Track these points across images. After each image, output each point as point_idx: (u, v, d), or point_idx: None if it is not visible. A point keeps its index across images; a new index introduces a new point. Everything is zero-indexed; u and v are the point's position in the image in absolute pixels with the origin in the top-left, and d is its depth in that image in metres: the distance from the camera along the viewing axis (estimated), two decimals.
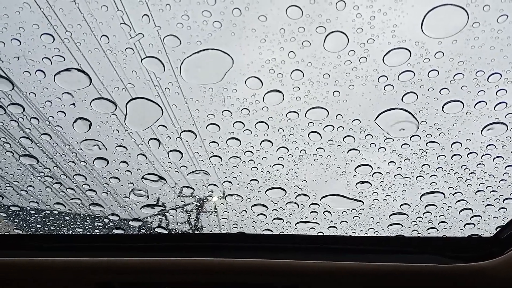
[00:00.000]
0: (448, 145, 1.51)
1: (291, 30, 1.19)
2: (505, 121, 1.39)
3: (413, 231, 1.83)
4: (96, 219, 1.98)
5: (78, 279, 1.64)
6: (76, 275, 1.62)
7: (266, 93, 1.38)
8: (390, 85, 1.32)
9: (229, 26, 1.20)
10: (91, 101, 1.40)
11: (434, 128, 1.46)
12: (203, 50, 1.23)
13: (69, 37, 1.24)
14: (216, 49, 1.23)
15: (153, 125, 1.53)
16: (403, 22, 1.17)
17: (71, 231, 2.08)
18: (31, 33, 1.22)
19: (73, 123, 1.47)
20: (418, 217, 1.78)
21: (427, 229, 1.84)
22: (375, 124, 1.47)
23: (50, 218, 1.98)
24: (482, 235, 1.70)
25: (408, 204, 1.75)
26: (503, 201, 1.63)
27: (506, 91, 1.29)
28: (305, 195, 1.79)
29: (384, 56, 1.24)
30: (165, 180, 1.75)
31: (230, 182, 1.77)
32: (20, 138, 1.59)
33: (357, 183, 1.71)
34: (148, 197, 1.79)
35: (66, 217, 1.99)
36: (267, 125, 1.50)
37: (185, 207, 2.12)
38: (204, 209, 2.06)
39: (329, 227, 1.90)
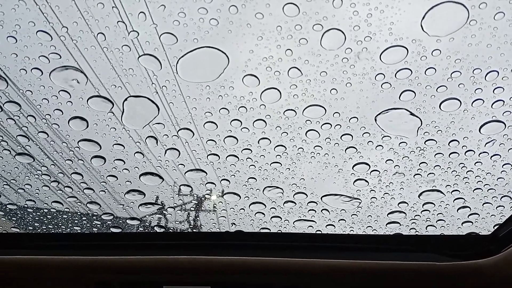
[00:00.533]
0: (445, 143, 1.51)
1: (288, 27, 1.19)
2: (502, 119, 1.39)
3: (411, 229, 1.83)
4: (94, 217, 1.98)
5: (77, 278, 1.64)
6: (76, 274, 1.62)
7: (263, 91, 1.38)
8: (387, 83, 1.32)
9: (226, 24, 1.19)
10: (88, 99, 1.40)
11: (432, 126, 1.46)
12: (199, 48, 1.23)
13: (65, 34, 1.24)
14: (212, 47, 1.23)
15: (151, 123, 1.52)
16: (400, 19, 1.16)
17: (69, 229, 2.08)
18: (27, 30, 1.22)
19: (69, 121, 1.46)
20: (416, 215, 1.78)
21: (425, 227, 1.84)
22: (373, 122, 1.47)
23: (48, 216, 1.98)
24: (480, 233, 1.70)
25: (406, 202, 1.75)
26: (500, 199, 1.63)
27: (503, 89, 1.29)
28: (303, 193, 1.79)
29: (381, 53, 1.24)
30: (163, 179, 1.75)
31: (228, 180, 1.77)
32: (17, 136, 1.58)
33: (355, 181, 1.71)
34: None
35: (64, 216, 1.99)
36: (265, 123, 1.50)
37: (183, 206, 2.12)
38: (202, 208, 2.06)
39: (327, 225, 1.91)
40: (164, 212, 2.03)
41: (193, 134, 1.56)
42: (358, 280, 1.56)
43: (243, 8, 1.15)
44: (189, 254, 1.63)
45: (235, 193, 1.82)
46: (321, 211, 1.85)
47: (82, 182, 1.79)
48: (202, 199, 2.03)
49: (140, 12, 1.17)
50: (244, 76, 1.33)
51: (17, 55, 1.29)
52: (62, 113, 1.47)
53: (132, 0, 1.15)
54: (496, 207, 1.64)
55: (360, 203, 1.77)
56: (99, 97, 1.40)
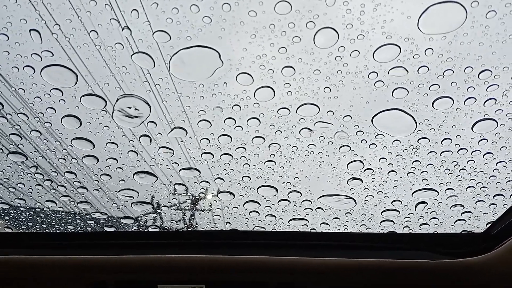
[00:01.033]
0: (438, 141, 1.52)
1: (281, 25, 1.19)
2: (494, 117, 1.40)
3: (404, 227, 1.84)
4: (88, 217, 1.97)
5: (71, 278, 1.63)
6: (69, 273, 1.61)
7: (257, 89, 1.38)
8: (381, 81, 1.33)
9: (219, 21, 1.19)
10: (81, 97, 1.39)
11: (425, 124, 1.46)
12: (191, 47, 1.23)
13: (58, 31, 1.23)
14: (204, 46, 1.23)
15: (144, 121, 1.52)
16: (393, 18, 1.17)
17: (62, 228, 2.07)
18: (18, 28, 1.21)
19: (61, 119, 1.46)
20: (409, 213, 1.79)
21: (419, 225, 1.85)
22: (367, 120, 1.47)
23: (41, 215, 1.97)
24: (473, 231, 1.71)
25: (399, 201, 1.76)
26: (493, 197, 1.64)
27: (495, 87, 1.30)
28: (297, 191, 1.79)
29: (374, 52, 1.24)
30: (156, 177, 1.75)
31: (222, 179, 1.77)
32: (9, 134, 1.57)
33: (349, 179, 1.71)
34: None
35: (57, 215, 1.98)
36: (259, 121, 1.50)
37: (178, 205, 2.12)
38: (197, 206, 2.05)
39: (321, 224, 1.91)
40: (159, 211, 2.02)
41: (187, 133, 1.56)
42: (352, 278, 1.56)
43: (236, 6, 1.15)
44: (183, 253, 1.62)
45: (229, 192, 1.82)
46: (316, 209, 1.86)
47: (75, 181, 1.78)
48: (197, 198, 2.02)
49: (133, 9, 1.17)
50: (238, 75, 1.33)
51: (9, 53, 1.28)
52: (55, 111, 1.47)
53: None
54: (489, 205, 1.65)
55: (355, 203, 1.78)
56: (92, 95, 1.40)
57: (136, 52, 1.28)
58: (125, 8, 1.17)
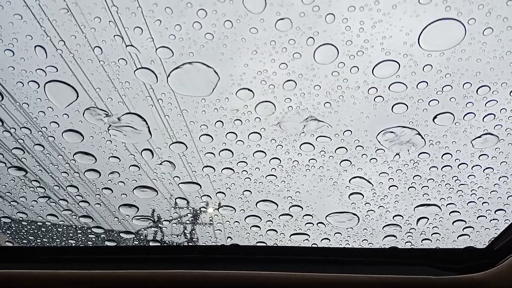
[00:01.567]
0: (439, 156, 1.53)
1: (282, 42, 1.21)
2: (494, 132, 1.41)
3: (406, 242, 1.83)
4: (89, 231, 1.97)
5: None
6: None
7: (258, 104, 1.39)
8: (380, 96, 1.34)
9: (221, 38, 1.22)
10: (84, 112, 1.41)
11: (425, 139, 1.47)
12: (188, 63, 1.25)
13: (63, 47, 1.26)
14: (202, 63, 1.25)
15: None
16: (392, 35, 1.19)
17: (64, 243, 2.06)
18: (24, 44, 1.24)
19: (62, 133, 1.47)
20: (411, 228, 1.78)
21: (421, 241, 1.84)
22: (366, 136, 1.48)
23: (42, 229, 1.97)
24: (475, 246, 1.70)
25: (401, 215, 1.76)
26: (494, 212, 1.63)
27: (494, 103, 1.31)
28: (298, 206, 1.79)
29: (374, 68, 1.26)
30: (157, 191, 1.75)
31: (223, 193, 1.77)
32: (12, 149, 1.59)
33: (350, 194, 1.71)
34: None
35: (59, 229, 1.98)
36: (260, 135, 1.51)
37: (179, 219, 2.12)
38: (198, 221, 2.05)
39: (322, 239, 1.90)
40: (159, 225, 2.02)
41: (187, 147, 1.57)
42: None
43: (238, 23, 1.17)
44: (184, 268, 1.61)
45: (230, 206, 1.82)
46: (317, 224, 1.85)
47: (77, 195, 1.79)
48: (198, 212, 2.02)
49: (137, 26, 1.20)
50: (239, 90, 1.35)
51: (14, 68, 1.30)
52: (59, 126, 1.48)
53: (129, 14, 1.17)
54: (490, 220, 1.64)
55: (358, 220, 1.78)
56: (95, 109, 1.41)
57: (139, 68, 1.30)
58: (129, 25, 1.20)
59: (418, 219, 1.74)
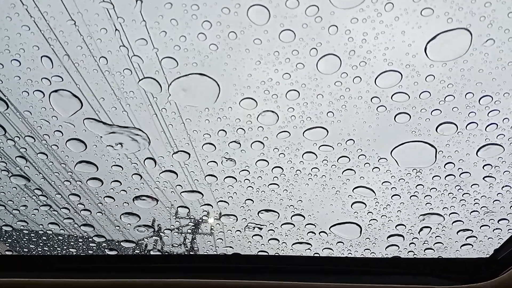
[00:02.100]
0: (441, 166, 1.53)
1: (285, 52, 1.23)
2: (497, 142, 1.41)
3: (409, 252, 1.82)
4: (90, 240, 1.96)
5: None
6: None
7: (261, 113, 1.40)
8: (383, 106, 1.35)
9: (225, 49, 1.23)
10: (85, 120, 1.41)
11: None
12: (190, 74, 1.27)
13: (68, 58, 1.27)
14: (203, 74, 1.26)
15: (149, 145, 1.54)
16: (394, 45, 1.20)
17: (64, 251, 2.06)
18: (31, 54, 1.25)
19: (66, 142, 1.48)
20: (414, 238, 1.78)
21: (424, 250, 1.83)
22: (369, 145, 1.49)
23: (43, 238, 1.96)
24: (478, 256, 1.69)
25: (403, 225, 1.75)
26: (498, 222, 1.63)
27: (496, 112, 1.32)
28: (300, 215, 1.79)
29: (376, 78, 1.27)
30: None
31: (225, 201, 1.77)
32: (15, 157, 1.59)
33: (352, 203, 1.71)
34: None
35: (59, 237, 1.97)
36: (263, 144, 1.52)
37: (180, 228, 2.12)
38: (200, 230, 2.05)
39: (324, 248, 1.89)
40: (161, 234, 2.01)
41: (189, 156, 1.57)
42: None
43: (242, 34, 1.19)
44: (186, 277, 1.61)
45: (232, 215, 1.82)
46: (319, 233, 1.85)
47: (79, 203, 1.78)
48: (199, 221, 2.02)
49: (142, 37, 1.21)
50: (243, 99, 1.36)
51: (20, 78, 1.31)
52: (62, 135, 1.49)
53: (134, 25, 1.19)
54: (493, 230, 1.64)
55: (360, 232, 1.78)
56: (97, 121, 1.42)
57: (144, 78, 1.31)
58: (134, 36, 1.21)
59: (421, 229, 1.74)
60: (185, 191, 1.73)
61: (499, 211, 1.61)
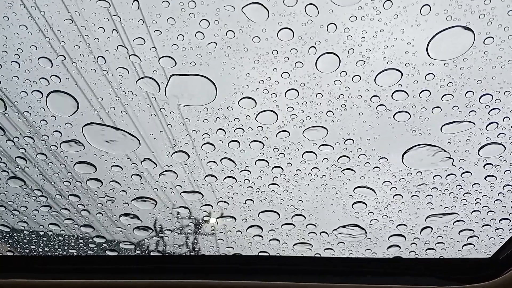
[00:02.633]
0: None
1: (283, 51, 1.22)
2: (497, 141, 1.40)
3: (410, 252, 1.81)
4: (91, 240, 1.96)
5: None
6: None
7: (260, 113, 1.40)
8: (383, 105, 1.34)
9: (223, 48, 1.22)
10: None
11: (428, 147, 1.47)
12: (188, 74, 1.27)
13: (66, 57, 1.27)
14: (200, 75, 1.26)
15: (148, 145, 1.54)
16: (394, 44, 1.20)
17: (65, 252, 2.06)
18: (28, 54, 1.25)
19: (67, 142, 1.48)
20: (415, 238, 1.76)
21: (425, 250, 1.82)
22: (369, 144, 1.48)
23: (44, 238, 1.96)
24: (480, 256, 1.68)
25: (404, 225, 1.74)
26: (499, 221, 1.62)
27: (497, 111, 1.31)
28: (301, 215, 1.78)
29: (376, 76, 1.26)
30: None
31: (226, 202, 1.77)
32: (15, 157, 1.59)
33: (353, 203, 1.70)
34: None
35: (60, 238, 1.98)
36: (262, 144, 1.51)
37: (181, 228, 2.11)
38: (200, 230, 2.04)
39: (325, 249, 1.89)
40: (161, 235, 2.01)
41: (189, 156, 1.57)
42: None
43: (240, 33, 1.18)
44: (186, 277, 1.61)
45: (232, 216, 1.81)
46: (320, 233, 1.84)
47: (79, 204, 1.79)
48: (200, 221, 2.01)
49: (140, 37, 1.21)
50: (241, 99, 1.36)
51: (18, 78, 1.31)
52: (61, 135, 1.49)
53: (132, 24, 1.19)
54: (495, 230, 1.63)
55: (366, 234, 1.77)
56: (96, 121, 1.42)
57: (142, 77, 1.31)
58: (132, 35, 1.21)
59: (422, 229, 1.73)
60: (185, 192, 1.73)
61: (500, 211, 1.60)
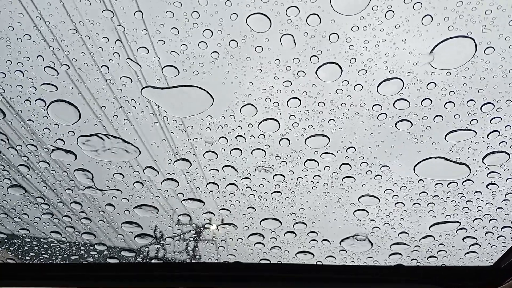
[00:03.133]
0: None
1: (286, 60, 1.23)
2: (499, 149, 1.41)
3: (412, 259, 1.81)
4: (92, 248, 1.96)
5: None
6: None
7: (262, 121, 1.40)
8: (384, 113, 1.35)
9: (226, 57, 1.23)
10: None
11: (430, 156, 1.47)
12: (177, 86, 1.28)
13: (70, 66, 1.28)
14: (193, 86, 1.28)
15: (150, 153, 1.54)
16: (395, 53, 1.20)
17: (66, 259, 2.05)
18: (32, 63, 1.26)
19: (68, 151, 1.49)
20: (416, 246, 1.76)
21: (427, 258, 1.82)
22: (371, 152, 1.48)
23: (45, 246, 1.96)
24: (482, 264, 1.68)
25: (406, 233, 1.74)
26: (501, 229, 1.62)
27: (498, 120, 1.32)
28: (303, 223, 1.78)
29: (378, 85, 1.27)
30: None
31: (227, 209, 1.77)
32: (18, 165, 1.60)
33: (355, 211, 1.70)
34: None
35: (61, 245, 1.97)
36: (264, 152, 1.52)
37: (182, 236, 2.11)
38: (201, 237, 2.04)
39: (327, 257, 1.88)
40: (162, 242, 2.01)
41: (191, 164, 1.58)
42: None
43: (243, 42, 1.19)
44: (187, 285, 1.60)
45: (233, 223, 1.81)
46: (322, 241, 1.84)
47: (81, 211, 1.79)
48: (201, 228, 2.01)
49: (143, 46, 1.22)
50: (244, 107, 1.36)
51: (22, 87, 1.32)
52: (64, 143, 1.49)
53: (136, 34, 1.20)
54: (497, 237, 1.63)
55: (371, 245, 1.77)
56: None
57: (145, 86, 1.32)
58: (136, 44, 1.22)
59: (424, 236, 1.73)
60: (187, 199, 1.73)
61: (502, 219, 1.60)
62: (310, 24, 1.14)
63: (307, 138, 1.45)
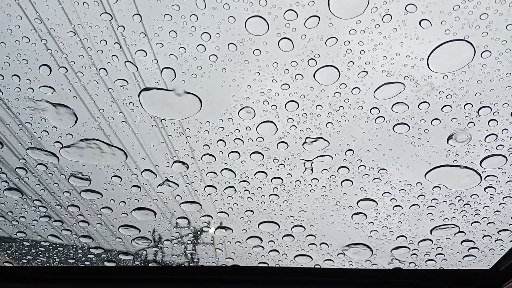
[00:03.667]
0: None
1: (284, 63, 1.23)
2: (497, 152, 1.41)
3: (410, 263, 1.81)
4: (89, 251, 1.95)
5: None
6: None
7: (260, 124, 1.41)
8: (382, 116, 1.35)
9: (224, 60, 1.24)
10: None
11: (428, 159, 1.47)
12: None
13: (69, 69, 1.28)
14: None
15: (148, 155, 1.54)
16: (393, 57, 1.21)
17: (63, 263, 2.04)
18: (31, 65, 1.26)
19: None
20: (415, 249, 1.76)
21: (425, 261, 1.82)
22: (369, 155, 1.48)
23: (41, 249, 1.95)
24: (480, 267, 1.68)
25: (404, 236, 1.74)
26: (498, 233, 1.62)
27: (495, 123, 1.32)
28: (301, 226, 1.78)
29: (375, 89, 1.27)
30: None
31: (225, 212, 1.77)
32: (15, 168, 1.59)
33: (353, 214, 1.70)
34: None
35: (59, 248, 1.97)
36: (262, 155, 1.52)
37: (180, 239, 2.10)
38: (199, 241, 2.04)
39: (325, 260, 1.88)
40: (160, 245, 2.00)
41: (188, 167, 1.57)
42: None
43: (241, 45, 1.19)
44: None
45: (231, 227, 1.81)
46: (320, 245, 1.84)
47: (79, 215, 1.78)
48: (199, 232, 2.01)
49: (141, 49, 1.22)
50: (241, 110, 1.36)
51: (20, 89, 1.32)
52: (62, 146, 1.49)
53: (134, 37, 1.20)
54: (495, 241, 1.63)
55: (371, 251, 1.77)
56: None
57: (143, 89, 1.32)
58: (134, 47, 1.22)
59: (422, 240, 1.73)
60: (185, 202, 1.73)
61: (500, 222, 1.60)
62: (308, 27, 1.14)
63: (305, 141, 1.46)
